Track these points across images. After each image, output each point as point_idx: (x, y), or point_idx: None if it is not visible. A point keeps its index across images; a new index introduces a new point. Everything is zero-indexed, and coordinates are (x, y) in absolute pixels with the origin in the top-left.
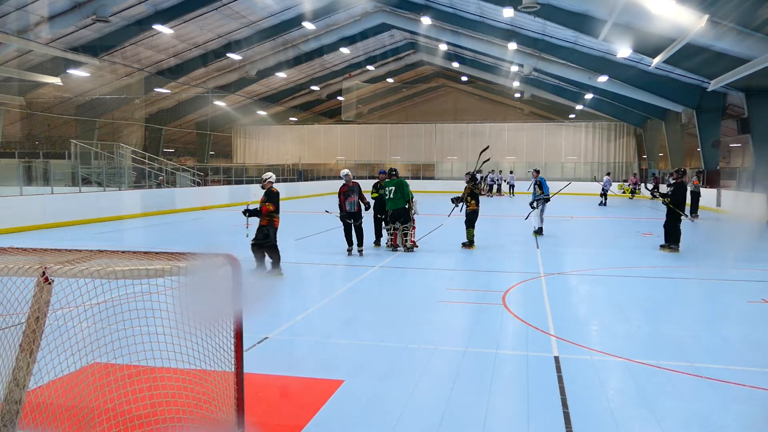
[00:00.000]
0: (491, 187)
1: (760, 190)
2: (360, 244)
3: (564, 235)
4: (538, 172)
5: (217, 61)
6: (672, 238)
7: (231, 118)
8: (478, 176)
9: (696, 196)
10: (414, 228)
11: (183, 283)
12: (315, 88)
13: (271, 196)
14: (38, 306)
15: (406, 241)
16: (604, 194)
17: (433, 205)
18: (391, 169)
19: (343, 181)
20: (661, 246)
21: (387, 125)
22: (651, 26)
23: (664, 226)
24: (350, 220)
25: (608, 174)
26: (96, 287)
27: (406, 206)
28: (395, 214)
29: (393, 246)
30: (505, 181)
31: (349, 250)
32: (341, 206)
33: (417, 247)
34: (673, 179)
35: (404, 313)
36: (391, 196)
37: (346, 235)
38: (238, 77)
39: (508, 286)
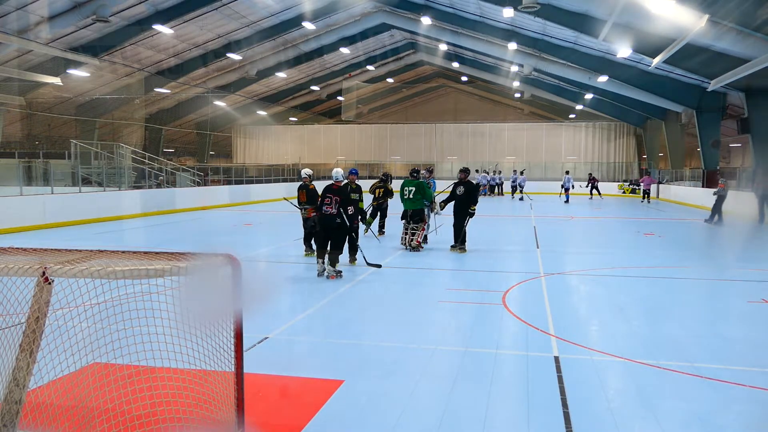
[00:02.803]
0: (493, 188)
1: (753, 191)
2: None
3: (564, 234)
4: (431, 172)
5: (217, 61)
6: (459, 237)
7: (231, 118)
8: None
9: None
10: (423, 229)
11: (183, 283)
12: (315, 88)
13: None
14: (38, 306)
15: (412, 240)
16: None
17: None
18: (412, 170)
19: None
20: (452, 247)
21: (387, 125)
22: (651, 26)
23: (454, 225)
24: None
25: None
26: (96, 287)
27: (425, 207)
28: (413, 214)
29: (405, 244)
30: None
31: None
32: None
33: (422, 248)
34: (459, 178)
35: (404, 313)
36: (411, 196)
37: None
38: (238, 77)
39: (508, 286)
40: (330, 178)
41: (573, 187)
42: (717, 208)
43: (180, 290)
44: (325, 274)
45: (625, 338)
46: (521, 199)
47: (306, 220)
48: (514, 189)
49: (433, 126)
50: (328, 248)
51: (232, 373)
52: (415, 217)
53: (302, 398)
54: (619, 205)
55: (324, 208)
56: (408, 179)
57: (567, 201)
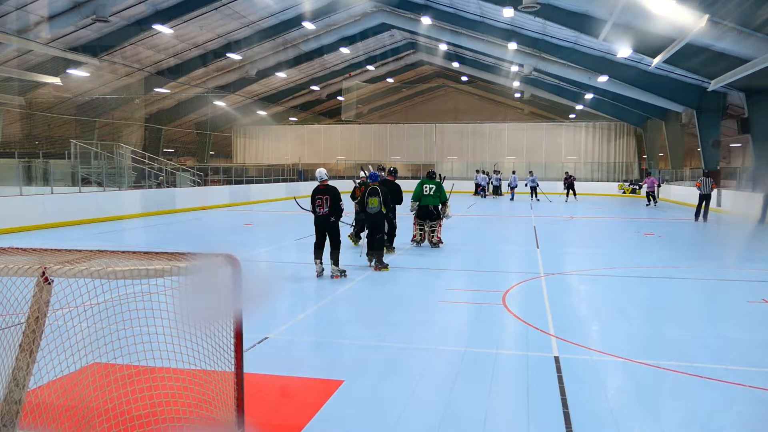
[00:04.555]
0: (496, 189)
1: (760, 190)
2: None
3: (564, 234)
4: (383, 170)
5: (217, 61)
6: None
7: (231, 118)
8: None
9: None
10: (440, 226)
11: (183, 283)
12: (315, 88)
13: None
14: (38, 306)
15: (433, 236)
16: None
17: None
18: (430, 171)
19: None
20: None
21: (387, 125)
22: (651, 26)
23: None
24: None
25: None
26: (96, 287)
27: (440, 206)
28: (429, 211)
29: (420, 241)
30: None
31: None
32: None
33: (442, 243)
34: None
35: (404, 313)
36: (432, 193)
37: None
38: (238, 77)
39: (508, 286)
40: (327, 178)
41: (516, 186)
42: (697, 207)
43: (180, 290)
44: (330, 273)
45: (625, 338)
46: (537, 198)
47: (357, 213)
48: (533, 190)
49: (433, 126)
50: (328, 249)
51: (232, 373)
52: (433, 215)
53: (302, 398)
54: (618, 205)
55: (317, 209)
56: (426, 179)
57: (512, 199)
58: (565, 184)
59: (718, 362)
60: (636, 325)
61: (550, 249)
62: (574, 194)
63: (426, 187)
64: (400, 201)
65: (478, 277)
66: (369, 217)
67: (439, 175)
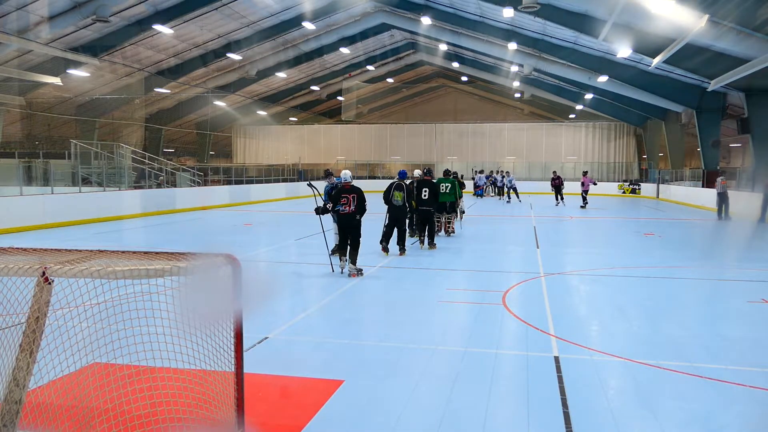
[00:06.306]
0: (500, 189)
1: (759, 190)
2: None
3: (564, 234)
4: (330, 175)
5: (217, 61)
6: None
7: (231, 118)
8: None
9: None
10: (455, 218)
11: (183, 283)
12: (315, 88)
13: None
14: (38, 306)
15: (449, 226)
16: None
17: None
18: (447, 170)
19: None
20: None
21: (387, 125)
22: (651, 26)
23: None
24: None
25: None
26: (96, 287)
27: (455, 201)
28: (450, 206)
29: (437, 231)
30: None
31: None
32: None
33: (454, 233)
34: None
35: (404, 313)
36: (447, 191)
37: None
38: (238, 77)
39: (508, 286)
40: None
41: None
42: (719, 207)
43: (180, 290)
44: (347, 272)
45: (625, 338)
46: (508, 201)
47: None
48: (510, 190)
49: (433, 126)
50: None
51: (232, 373)
52: (450, 208)
53: (302, 398)
54: (618, 205)
55: (343, 207)
56: (442, 178)
57: (481, 196)
58: (552, 185)
59: (718, 362)
60: (636, 325)
61: (550, 249)
62: (561, 198)
63: (442, 186)
64: (438, 198)
65: (478, 277)
66: (394, 209)
67: (455, 173)
